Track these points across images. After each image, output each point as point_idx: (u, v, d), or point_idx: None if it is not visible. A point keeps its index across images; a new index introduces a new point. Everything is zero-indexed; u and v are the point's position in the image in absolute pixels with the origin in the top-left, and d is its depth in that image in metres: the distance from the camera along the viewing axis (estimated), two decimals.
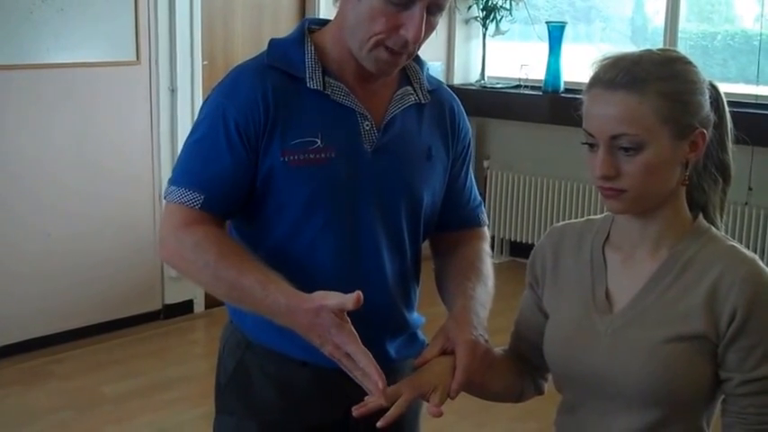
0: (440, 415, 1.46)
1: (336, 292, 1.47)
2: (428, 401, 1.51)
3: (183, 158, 1.65)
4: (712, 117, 1.41)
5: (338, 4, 1.62)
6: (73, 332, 4.33)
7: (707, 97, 1.40)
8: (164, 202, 1.65)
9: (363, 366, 1.45)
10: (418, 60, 1.72)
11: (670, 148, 1.36)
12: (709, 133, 1.41)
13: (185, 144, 1.66)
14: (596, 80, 1.39)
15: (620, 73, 1.36)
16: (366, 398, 1.47)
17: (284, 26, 4.69)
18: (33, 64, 4.06)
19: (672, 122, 1.35)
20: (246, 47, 4.71)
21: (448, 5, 1.60)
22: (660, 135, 1.35)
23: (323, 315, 1.46)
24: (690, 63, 1.41)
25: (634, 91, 1.34)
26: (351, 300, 1.43)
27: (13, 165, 4.10)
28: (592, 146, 1.39)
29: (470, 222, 1.83)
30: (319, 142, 1.60)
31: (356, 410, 1.46)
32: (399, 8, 1.51)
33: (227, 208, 1.63)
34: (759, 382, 1.36)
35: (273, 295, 1.51)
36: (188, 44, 4.54)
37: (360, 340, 1.46)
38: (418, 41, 1.55)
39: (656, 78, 1.35)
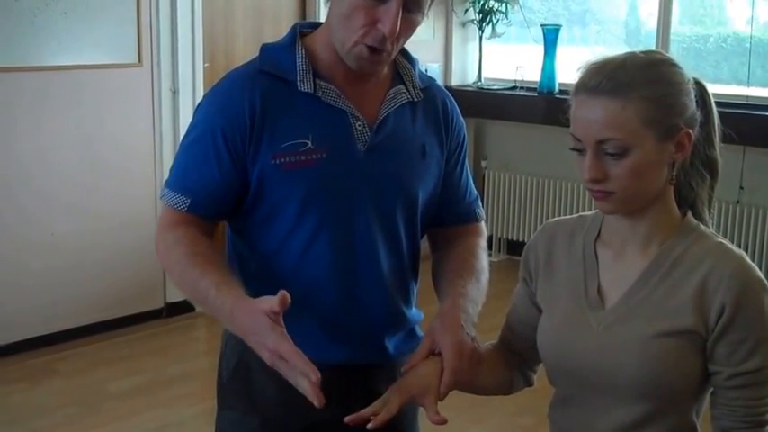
0: (443, 422, 1.47)
1: (270, 296, 1.45)
2: (420, 405, 1.53)
3: (177, 161, 1.70)
4: (698, 116, 1.42)
5: (328, 6, 1.64)
6: (77, 330, 4.35)
7: (692, 97, 1.40)
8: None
9: (300, 368, 1.41)
10: (410, 59, 1.74)
11: (656, 150, 1.38)
12: (695, 133, 1.42)
13: (180, 147, 1.71)
14: (581, 86, 1.40)
15: (604, 79, 1.36)
16: (363, 411, 1.49)
17: (285, 28, 4.58)
18: (37, 66, 4.08)
19: (656, 125, 1.37)
20: (247, 49, 4.71)
21: (428, 5, 1.60)
22: (645, 138, 1.36)
23: (258, 318, 1.45)
24: (674, 65, 1.41)
25: (617, 96, 1.35)
26: (276, 301, 1.43)
27: (18, 165, 4.12)
28: (581, 150, 1.41)
29: (466, 218, 1.83)
30: (310, 144, 1.61)
31: (349, 419, 1.48)
32: (376, 3, 1.53)
33: (214, 212, 1.67)
34: (747, 375, 1.39)
35: (223, 297, 1.52)
36: (189, 46, 4.56)
37: (292, 341, 1.43)
38: (394, 36, 1.55)
39: (639, 83, 1.36)
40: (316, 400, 1.40)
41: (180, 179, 1.66)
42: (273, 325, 1.44)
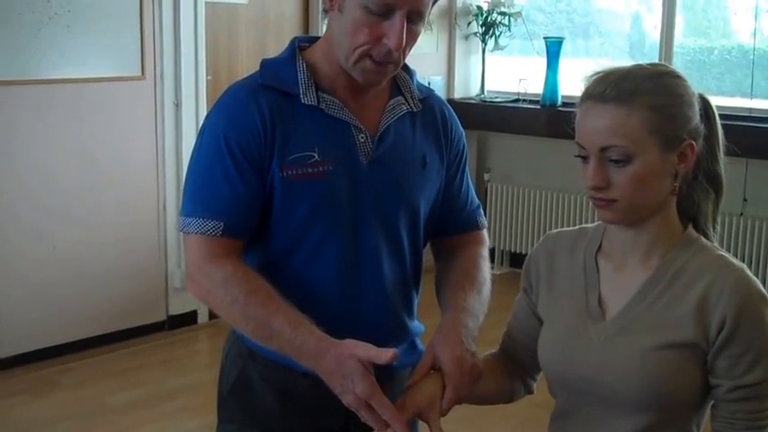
0: None
1: (369, 344, 1.49)
2: (424, 420, 1.53)
3: (192, 188, 1.65)
4: (702, 129, 1.43)
5: (327, 20, 1.65)
6: (78, 343, 4.35)
7: (696, 110, 1.42)
8: (180, 234, 1.66)
9: (388, 419, 1.45)
10: (407, 69, 1.74)
11: (659, 160, 1.39)
12: (699, 145, 1.43)
13: (190, 173, 1.66)
14: (587, 94, 1.41)
15: (609, 87, 1.38)
16: None
17: (288, 42, 4.69)
18: (41, 80, 4.10)
19: (660, 134, 1.38)
20: (250, 62, 4.73)
21: (428, 14, 1.61)
22: (648, 147, 1.38)
23: (349, 363, 1.47)
24: (679, 77, 1.43)
25: (622, 104, 1.37)
26: (384, 356, 1.46)
27: (20, 178, 4.13)
28: (585, 158, 1.42)
29: (468, 226, 1.84)
30: (317, 156, 1.61)
31: None
32: (380, 18, 1.54)
33: (244, 230, 1.63)
34: (747, 388, 1.39)
35: (303, 336, 1.52)
36: (192, 59, 4.57)
37: (382, 392, 1.46)
38: (400, 50, 1.57)
39: (644, 92, 1.37)
40: None
41: (203, 204, 1.61)
42: (365, 372, 1.46)
